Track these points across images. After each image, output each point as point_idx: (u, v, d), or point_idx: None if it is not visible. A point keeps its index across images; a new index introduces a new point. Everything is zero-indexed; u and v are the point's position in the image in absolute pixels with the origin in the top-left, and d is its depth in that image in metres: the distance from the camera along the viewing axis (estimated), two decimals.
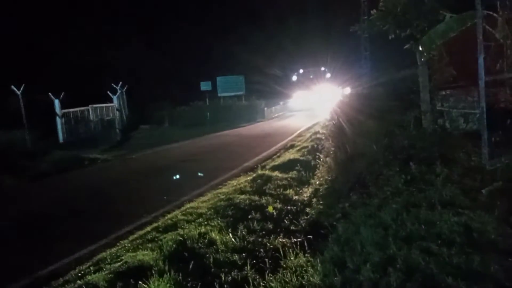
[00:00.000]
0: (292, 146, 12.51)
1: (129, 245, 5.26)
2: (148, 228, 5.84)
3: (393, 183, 5.66)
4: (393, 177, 5.81)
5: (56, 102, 15.67)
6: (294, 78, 33.64)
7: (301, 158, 9.66)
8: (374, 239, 4.11)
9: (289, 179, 7.78)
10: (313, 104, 29.69)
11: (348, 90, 34.53)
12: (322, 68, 33.05)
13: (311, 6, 39.43)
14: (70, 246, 5.61)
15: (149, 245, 5.10)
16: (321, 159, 8.83)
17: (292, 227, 5.48)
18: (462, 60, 6.76)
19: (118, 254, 4.99)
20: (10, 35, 19.77)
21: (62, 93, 15.70)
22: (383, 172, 6.14)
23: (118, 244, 5.44)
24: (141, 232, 5.71)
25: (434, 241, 3.87)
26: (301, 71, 33.67)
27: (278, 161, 9.86)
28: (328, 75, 32.43)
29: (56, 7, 21.05)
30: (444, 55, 7.12)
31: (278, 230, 5.38)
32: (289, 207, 6.25)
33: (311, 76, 33.11)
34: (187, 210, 6.39)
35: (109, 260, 4.81)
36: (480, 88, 5.24)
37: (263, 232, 5.26)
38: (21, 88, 14.26)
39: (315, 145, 10.92)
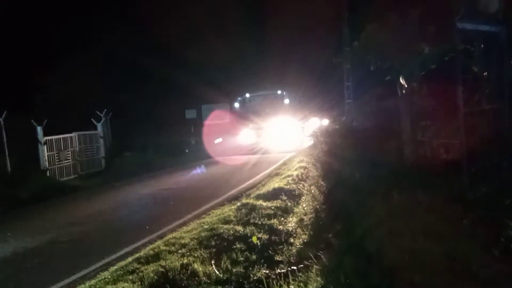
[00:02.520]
0: None
1: (109, 277, 5.14)
2: (130, 259, 5.72)
3: (376, 212, 5.67)
4: (376, 206, 5.83)
5: (39, 129, 15.47)
6: (237, 105, 24.15)
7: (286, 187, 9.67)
8: (358, 269, 4.09)
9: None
10: (265, 141, 22.11)
11: (325, 121, 33.35)
12: (279, 92, 23.83)
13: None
14: (47, 278, 5.45)
15: (130, 277, 5.00)
16: (305, 188, 8.84)
17: (276, 258, 5.43)
18: (442, 91, 6.94)
19: (97, 286, 4.86)
20: None
21: (45, 120, 15.54)
22: (366, 201, 6.16)
23: (97, 276, 5.31)
24: (122, 263, 5.59)
25: (418, 271, 3.87)
26: (247, 95, 24.24)
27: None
28: (287, 101, 23.62)
29: (40, 34, 21.06)
30: (424, 86, 7.30)
31: (262, 261, 5.31)
32: (273, 237, 6.20)
33: (263, 103, 23.92)
34: (170, 240, 6.29)
35: None
36: (459, 119, 5.36)
37: (247, 263, 5.19)
38: (3, 115, 14.09)
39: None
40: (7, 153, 14.04)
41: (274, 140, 21.71)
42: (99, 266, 5.85)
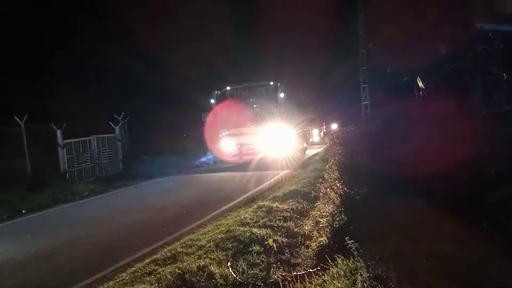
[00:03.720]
0: None
1: (127, 278, 5.20)
2: (147, 261, 5.78)
3: (394, 215, 5.64)
4: (393, 210, 5.79)
5: (58, 133, 15.77)
6: (213, 102, 17.29)
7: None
8: (375, 273, 4.07)
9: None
10: (251, 152, 16.60)
11: (334, 126, 28.88)
12: (271, 83, 17.04)
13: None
14: (63, 280, 5.55)
15: (148, 278, 5.05)
16: (322, 191, 8.82)
17: (293, 261, 5.43)
18: (461, 92, 6.86)
19: (115, 287, 4.93)
20: (11, 65, 20.14)
21: (65, 124, 15.83)
22: (383, 204, 6.12)
23: (116, 277, 5.38)
24: (140, 265, 5.66)
25: (435, 275, 3.84)
26: (227, 88, 17.47)
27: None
28: (282, 95, 16.50)
29: (58, 37, 21.43)
30: (442, 87, 7.23)
31: (279, 263, 5.32)
32: (289, 239, 6.20)
33: (250, 100, 17.26)
34: (187, 242, 6.34)
35: None
36: (477, 121, 5.30)
37: (263, 266, 5.20)
38: (24, 119, 14.39)
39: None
40: (27, 156, 14.34)
41: (263, 152, 16.26)
42: (119, 266, 5.93)
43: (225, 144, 16.78)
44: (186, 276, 4.92)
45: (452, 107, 6.82)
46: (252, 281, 4.77)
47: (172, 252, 5.87)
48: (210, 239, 6.21)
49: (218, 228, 6.86)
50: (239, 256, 5.46)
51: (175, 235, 7.26)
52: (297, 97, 20.23)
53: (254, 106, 16.92)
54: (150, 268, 5.39)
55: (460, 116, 6.59)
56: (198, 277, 4.88)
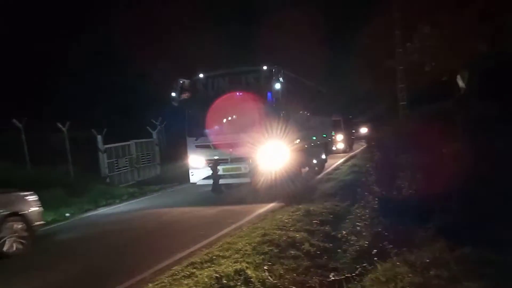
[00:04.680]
0: None
1: (165, 281, 5.27)
2: (185, 263, 5.85)
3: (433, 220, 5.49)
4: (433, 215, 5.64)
5: (99, 138, 16.27)
6: (174, 96, 11.26)
7: None
8: (414, 282, 3.96)
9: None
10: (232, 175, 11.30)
11: (364, 130, 26.51)
12: (265, 68, 10.74)
13: None
14: (106, 282, 5.69)
15: (185, 281, 5.10)
16: (359, 194, 8.69)
17: (330, 265, 5.38)
18: (505, 92, 6.58)
19: None
20: (51, 73, 20.99)
21: (105, 129, 16.33)
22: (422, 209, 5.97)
23: (155, 279, 5.47)
24: (178, 268, 5.73)
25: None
26: (200, 76, 11.58)
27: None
28: (277, 86, 10.36)
29: (99, 50, 22.16)
30: (483, 87, 6.97)
31: (316, 267, 5.28)
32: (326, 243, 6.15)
33: (230, 94, 10.97)
34: (224, 245, 6.38)
35: None
36: None
37: (300, 270, 5.17)
38: (66, 125, 14.96)
39: None
40: (70, 161, 14.89)
41: (250, 172, 10.80)
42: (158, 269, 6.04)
43: (193, 161, 11.38)
44: (223, 279, 4.95)
45: (496, 107, 6.53)
46: (289, 286, 4.75)
47: (209, 255, 5.92)
48: (247, 243, 6.23)
49: (255, 231, 6.87)
50: (276, 260, 5.46)
51: (211, 238, 7.32)
52: (309, 90, 15.03)
53: (238, 102, 10.89)
54: (188, 271, 5.45)
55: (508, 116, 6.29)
56: (235, 281, 4.90)
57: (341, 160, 18.62)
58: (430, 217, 5.65)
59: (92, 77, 22.26)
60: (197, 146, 11.33)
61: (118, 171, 17.23)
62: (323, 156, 15.92)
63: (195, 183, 11.55)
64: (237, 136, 10.75)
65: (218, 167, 10.96)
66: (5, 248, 7.21)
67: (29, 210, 7.85)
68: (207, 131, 11.13)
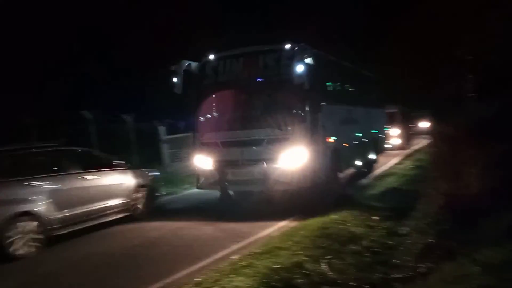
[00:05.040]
0: None
1: (226, 269, 5.34)
2: (246, 252, 5.91)
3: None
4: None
5: (161, 129, 16.78)
6: (176, 81, 9.08)
7: None
8: (485, 281, 3.74)
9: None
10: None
11: (424, 124, 22.40)
12: (287, 47, 8.43)
13: None
14: (169, 268, 5.85)
15: (245, 270, 5.14)
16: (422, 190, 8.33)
17: (392, 262, 5.21)
18: None
19: (216, 278, 5.08)
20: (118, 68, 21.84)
21: (167, 120, 16.84)
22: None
23: (216, 268, 5.55)
24: (237, 257, 5.79)
25: None
26: (211, 58, 9.26)
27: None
28: (304, 69, 8.01)
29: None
30: None
31: (377, 264, 5.14)
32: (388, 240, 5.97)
33: (244, 78, 8.95)
34: (282, 237, 6.38)
35: (208, 284, 4.93)
36: None
37: (361, 266, 5.06)
38: (131, 117, 15.60)
39: None
40: (135, 152, 15.53)
41: (267, 176, 8.52)
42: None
43: (199, 162, 9.36)
44: (281, 271, 4.95)
45: None
46: (348, 282, 4.66)
47: (269, 246, 5.94)
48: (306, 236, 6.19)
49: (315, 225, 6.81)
50: (336, 255, 5.38)
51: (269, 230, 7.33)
52: (351, 76, 12.69)
53: (253, 89, 9.03)
54: (247, 261, 5.49)
55: None
56: (292, 273, 4.88)
57: (397, 159, 16.50)
58: (502, 216, 5.31)
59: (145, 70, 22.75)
60: (203, 144, 9.24)
61: (179, 161, 17.73)
62: (372, 156, 13.49)
63: (201, 189, 9.67)
64: (250, 132, 8.68)
65: (227, 171, 8.86)
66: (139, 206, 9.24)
67: (150, 183, 9.71)
68: (215, 125, 9.20)
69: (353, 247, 5.63)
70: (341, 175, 10.61)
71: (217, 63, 9.19)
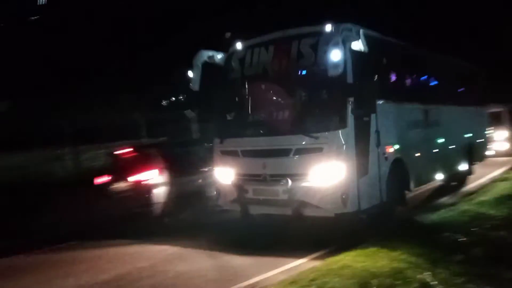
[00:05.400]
0: None
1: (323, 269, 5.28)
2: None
3: None
4: None
5: None
6: (193, 77, 7.65)
7: None
8: None
9: None
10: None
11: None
12: (327, 29, 6.40)
13: None
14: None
15: (344, 271, 5.05)
16: None
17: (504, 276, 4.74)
18: None
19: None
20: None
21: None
22: None
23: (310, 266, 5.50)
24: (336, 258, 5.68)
25: None
26: (237, 48, 7.54)
27: None
28: (352, 57, 6.45)
29: None
30: None
31: (484, 276, 4.72)
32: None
33: (268, 71, 7.16)
34: (381, 242, 6.14)
35: None
36: None
37: (467, 277, 4.67)
38: (193, 112, 15.99)
39: None
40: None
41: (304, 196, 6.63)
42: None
43: (218, 174, 7.76)
44: (378, 276, 4.78)
45: None
46: None
47: (366, 249, 5.77)
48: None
49: None
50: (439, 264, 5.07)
51: None
52: (430, 65, 10.17)
53: (284, 84, 7.17)
54: (344, 262, 5.39)
55: None
56: (391, 279, 4.69)
57: (502, 169, 13.30)
58: None
59: None
60: (222, 153, 7.63)
61: None
62: (464, 166, 10.92)
63: (220, 207, 8.11)
64: (275, 139, 6.89)
65: (247, 187, 7.14)
66: None
67: None
68: (235, 129, 7.62)
69: (459, 257, 5.22)
70: (411, 193, 8.32)
71: (244, 53, 7.46)
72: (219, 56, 7.76)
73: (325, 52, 6.08)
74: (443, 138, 9.75)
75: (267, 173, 6.85)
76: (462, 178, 11.18)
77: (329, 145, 6.29)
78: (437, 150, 9.47)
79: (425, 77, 9.92)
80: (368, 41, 6.90)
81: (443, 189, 10.66)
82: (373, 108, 6.85)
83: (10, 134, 14.67)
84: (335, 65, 5.88)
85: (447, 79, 10.79)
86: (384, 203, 7.05)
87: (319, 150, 6.35)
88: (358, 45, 6.69)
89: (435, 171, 9.42)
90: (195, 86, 7.57)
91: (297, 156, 6.57)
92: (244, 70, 7.41)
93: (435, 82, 10.25)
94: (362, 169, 6.55)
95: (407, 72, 9.05)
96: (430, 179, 9.44)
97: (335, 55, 5.89)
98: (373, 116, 6.92)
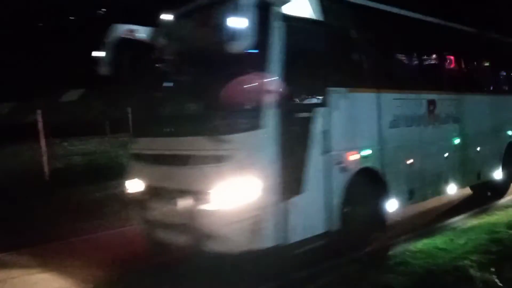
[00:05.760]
0: None
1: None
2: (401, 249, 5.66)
3: None
4: None
5: None
6: (106, 57, 5.42)
7: None
8: None
9: None
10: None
11: None
12: None
13: None
14: None
15: (399, 268, 4.97)
16: None
17: None
18: None
19: None
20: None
21: None
22: None
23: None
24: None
25: None
26: (164, 17, 5.65)
27: None
28: (281, 26, 4.52)
29: None
30: None
31: None
32: None
33: (181, 50, 5.53)
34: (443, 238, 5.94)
35: None
36: None
37: None
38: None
39: None
40: None
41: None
42: None
43: (130, 183, 5.72)
44: (438, 274, 4.65)
45: None
46: None
47: (426, 246, 5.60)
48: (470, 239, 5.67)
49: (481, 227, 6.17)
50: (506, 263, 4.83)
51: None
52: (425, 34, 7.23)
53: (192, 69, 5.89)
54: (401, 259, 5.27)
55: None
56: (452, 277, 4.54)
57: None
58: None
59: None
60: (132, 155, 5.95)
61: None
62: (498, 174, 8.44)
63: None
64: (175, 142, 5.15)
65: (147, 205, 5.36)
66: None
67: None
68: (143, 126, 6.16)
69: None
70: (398, 211, 6.27)
71: (166, 27, 5.71)
72: (140, 30, 5.83)
73: (237, 20, 4.01)
74: (460, 137, 7.50)
75: (166, 187, 5.10)
76: (499, 190, 8.63)
77: (236, 152, 4.46)
78: (448, 153, 7.25)
79: (420, 54, 7.36)
80: (324, 5, 5.17)
81: (467, 202, 8.50)
82: (320, 99, 5.08)
83: (80, 121, 15.62)
84: (243, 37, 3.97)
85: (465, 59, 8.20)
86: (337, 232, 5.12)
87: (223, 159, 4.51)
88: (302, 10, 4.94)
89: (443, 180, 7.16)
90: (105, 69, 5.56)
91: (196, 166, 4.72)
92: (162, 49, 5.67)
93: (443, 63, 7.72)
94: (292, 186, 4.67)
95: (396, 49, 6.85)
96: (436, 191, 7.15)
97: (243, 22, 3.96)
98: (320, 110, 5.02)
